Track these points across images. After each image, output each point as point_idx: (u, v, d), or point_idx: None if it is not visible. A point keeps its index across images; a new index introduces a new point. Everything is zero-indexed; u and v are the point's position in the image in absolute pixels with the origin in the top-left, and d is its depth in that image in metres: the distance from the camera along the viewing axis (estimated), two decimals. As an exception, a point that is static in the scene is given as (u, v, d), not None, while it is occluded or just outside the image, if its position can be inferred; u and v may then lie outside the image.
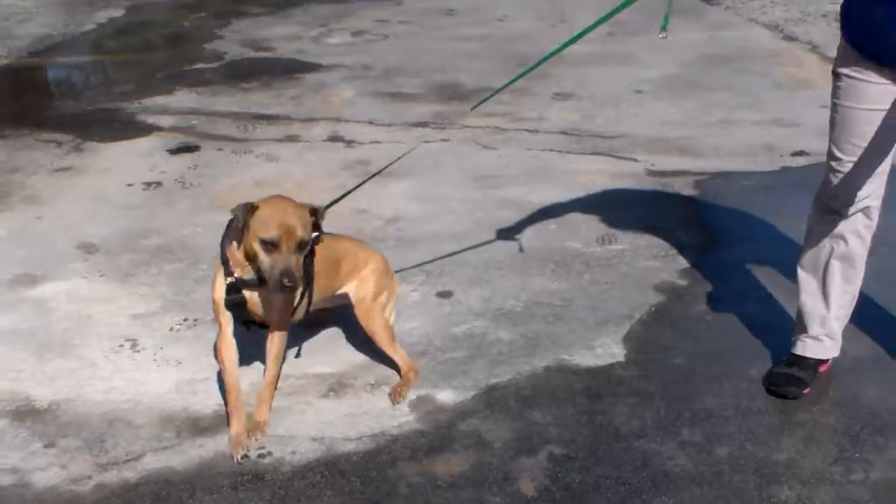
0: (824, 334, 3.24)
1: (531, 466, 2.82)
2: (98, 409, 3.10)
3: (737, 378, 3.22)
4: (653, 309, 3.64)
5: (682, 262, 3.96)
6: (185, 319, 3.61)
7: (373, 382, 3.23)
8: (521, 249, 4.11)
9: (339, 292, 3.25)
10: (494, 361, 3.35)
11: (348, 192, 3.52)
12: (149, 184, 4.76)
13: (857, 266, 3.16)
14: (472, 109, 4.12)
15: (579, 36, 3.39)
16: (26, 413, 3.08)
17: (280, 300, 2.95)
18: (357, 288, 3.24)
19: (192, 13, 7.92)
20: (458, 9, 8.04)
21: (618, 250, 4.07)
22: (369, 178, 3.80)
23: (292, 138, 5.32)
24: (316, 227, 2.91)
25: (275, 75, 6.35)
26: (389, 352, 3.26)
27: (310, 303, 3.08)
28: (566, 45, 3.46)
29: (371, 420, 3.05)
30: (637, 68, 6.49)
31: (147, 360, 3.36)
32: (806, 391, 3.16)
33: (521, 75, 3.65)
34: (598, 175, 4.82)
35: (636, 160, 5.01)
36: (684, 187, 4.68)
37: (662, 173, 4.84)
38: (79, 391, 3.19)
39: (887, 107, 2.91)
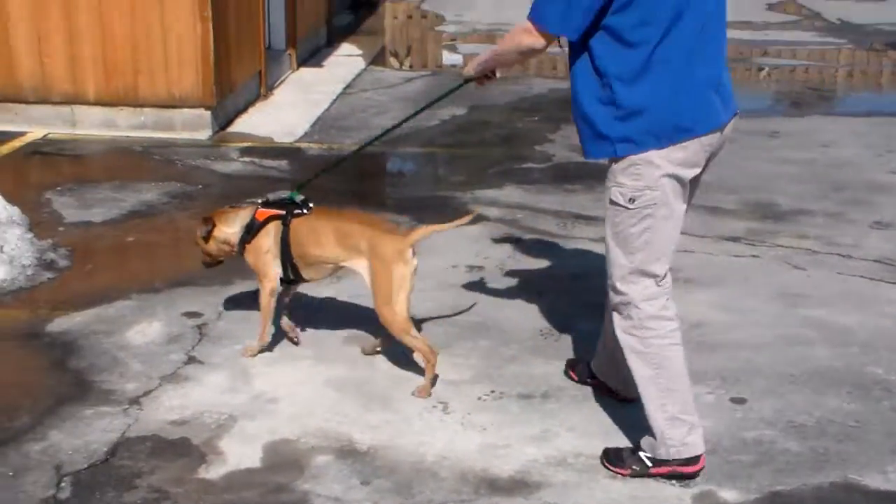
0: None
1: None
2: (409, 458, 3.49)
3: None
4: (951, 443, 3.61)
5: None
6: (493, 391, 3.96)
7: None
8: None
9: (343, 264, 3.93)
10: (781, 470, 3.45)
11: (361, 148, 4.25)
12: (471, 267, 5.20)
13: None
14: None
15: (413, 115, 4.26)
16: (349, 453, 3.51)
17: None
18: (369, 276, 3.83)
19: (526, 116, 8.47)
20: (783, 131, 8.12)
21: (921, 381, 4.05)
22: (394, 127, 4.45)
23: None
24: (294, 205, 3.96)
25: (598, 180, 6.66)
26: (407, 342, 3.86)
27: (287, 259, 3.95)
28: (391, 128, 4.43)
29: (653, 505, 3.24)
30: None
31: (455, 423, 3.73)
32: None
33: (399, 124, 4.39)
34: (910, 306, 4.79)
35: (953, 296, 4.92)
36: None
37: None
38: (394, 440, 3.60)
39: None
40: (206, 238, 4.09)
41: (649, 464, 3.41)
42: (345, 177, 6.73)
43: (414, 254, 3.80)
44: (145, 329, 4.39)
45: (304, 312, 4.42)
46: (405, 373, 4.07)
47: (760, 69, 11.09)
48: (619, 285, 3.37)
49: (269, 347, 4.21)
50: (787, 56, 11.73)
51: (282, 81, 9.30)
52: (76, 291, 4.78)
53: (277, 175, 6.76)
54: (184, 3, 7.23)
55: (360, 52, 11.12)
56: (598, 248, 5.44)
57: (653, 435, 3.40)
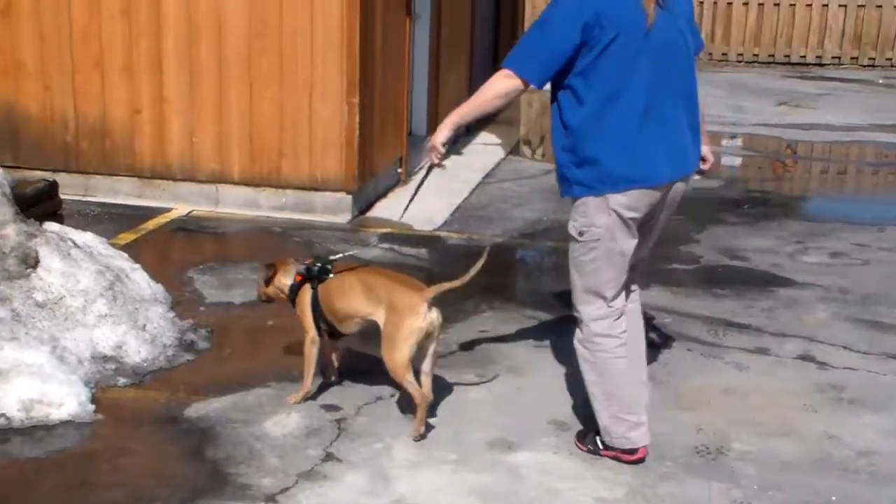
0: None
1: None
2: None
3: None
4: None
5: None
6: (648, 513, 3.69)
7: None
8: None
9: (368, 318, 4.17)
10: None
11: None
12: (619, 373, 4.95)
13: None
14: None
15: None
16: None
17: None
18: (383, 323, 4.07)
19: (673, 216, 8.20)
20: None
21: None
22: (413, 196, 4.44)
23: (762, 350, 5.32)
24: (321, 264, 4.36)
25: (748, 285, 6.41)
26: (402, 386, 4.08)
27: (320, 316, 4.30)
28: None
29: None
30: None
31: (607, 545, 3.47)
32: None
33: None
34: None
35: None
36: None
37: None
38: (543, 561, 3.35)
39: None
40: (267, 282, 4.47)
41: (600, 446, 4.07)
42: (485, 268, 6.59)
43: (430, 308, 4.03)
44: (283, 420, 4.26)
45: (448, 410, 4.24)
46: (556, 484, 3.84)
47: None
48: (576, 304, 3.98)
49: (411, 449, 4.04)
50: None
51: (421, 167, 9.27)
52: (215, 375, 4.70)
53: (415, 263, 6.65)
54: (332, 88, 7.26)
55: (498, 140, 11.06)
56: (752, 360, 5.16)
57: (601, 429, 4.03)
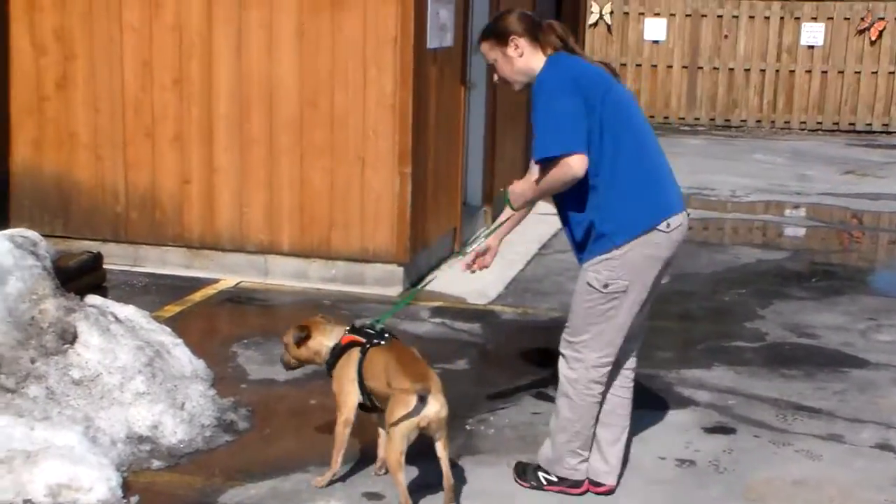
0: None
1: None
2: None
3: None
4: None
5: None
6: None
7: None
8: None
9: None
10: None
11: None
12: (682, 461, 4.65)
13: None
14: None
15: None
16: None
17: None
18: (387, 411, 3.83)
19: (732, 288, 7.90)
20: None
21: None
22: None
23: (836, 438, 4.98)
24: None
25: (818, 366, 6.07)
26: (393, 479, 3.81)
27: (363, 391, 4.04)
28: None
29: None
30: None
31: None
32: None
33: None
34: None
35: None
36: None
37: None
38: None
39: None
40: (298, 344, 4.21)
41: (544, 482, 4.24)
42: (536, 341, 6.34)
43: (423, 400, 3.75)
44: (322, 510, 4.02)
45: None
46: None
47: None
48: (576, 348, 4.09)
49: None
50: None
51: (476, 238, 9.06)
52: (253, 458, 4.47)
53: (468, 339, 6.41)
54: (385, 158, 7.11)
55: (553, 210, 10.82)
56: (825, 449, 4.83)
57: (549, 457, 4.22)
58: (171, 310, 6.58)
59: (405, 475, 3.81)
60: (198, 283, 7.23)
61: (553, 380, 5.43)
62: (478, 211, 9.42)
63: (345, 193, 7.23)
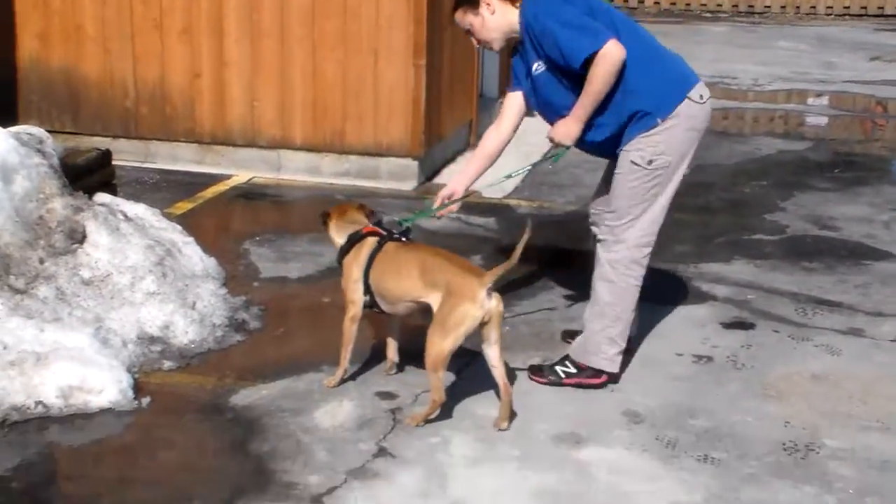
0: None
1: None
2: None
3: None
4: None
5: None
6: (729, 521, 3.34)
7: None
8: None
9: (420, 300, 3.82)
10: None
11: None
12: (699, 357, 4.59)
13: None
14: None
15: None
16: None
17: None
18: (437, 307, 3.73)
19: (753, 180, 7.76)
20: None
21: None
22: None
23: (857, 332, 4.90)
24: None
25: (839, 258, 5.96)
26: (429, 376, 3.75)
27: (366, 290, 3.96)
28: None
29: None
30: None
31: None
32: None
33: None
34: None
35: None
36: None
37: None
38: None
39: None
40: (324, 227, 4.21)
41: (563, 375, 4.22)
42: (552, 236, 6.25)
43: (490, 295, 3.70)
44: (335, 410, 3.98)
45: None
46: (627, 486, 3.51)
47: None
48: (618, 229, 4.14)
49: (470, 444, 3.75)
50: None
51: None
52: (265, 359, 4.44)
53: (483, 234, 6.32)
54: (398, 50, 6.93)
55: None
56: (843, 344, 4.76)
57: (583, 347, 4.23)
58: (182, 207, 6.50)
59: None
60: (209, 180, 7.14)
61: (571, 275, 5.38)
62: (494, 103, 9.22)
63: (358, 86, 7.08)
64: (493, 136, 4.39)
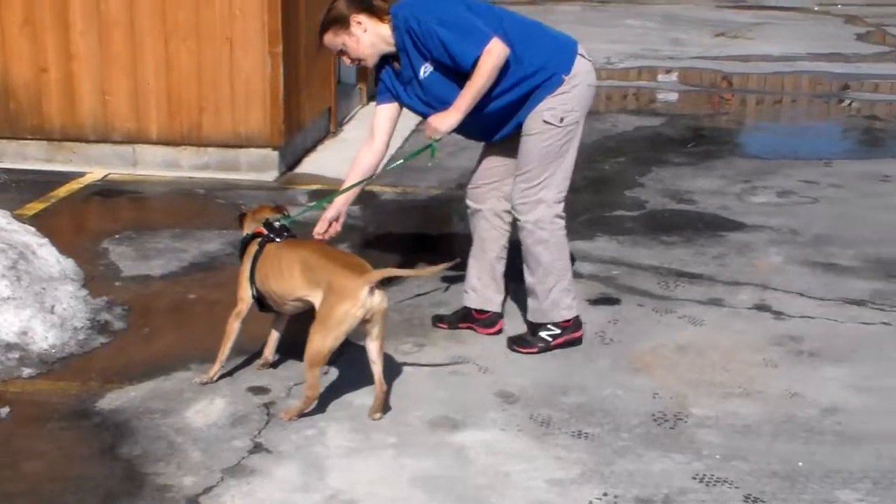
0: None
1: None
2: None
3: None
4: None
5: None
6: (605, 494, 3.40)
7: None
8: None
9: (304, 298, 3.79)
10: None
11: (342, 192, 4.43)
12: (568, 334, 4.66)
13: None
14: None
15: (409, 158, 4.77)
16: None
17: None
18: (318, 305, 3.71)
19: (611, 157, 7.91)
20: (895, 175, 7.48)
21: None
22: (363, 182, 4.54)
23: (716, 301, 5.06)
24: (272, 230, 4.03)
25: (697, 231, 6.14)
26: (306, 373, 3.71)
27: (252, 286, 3.94)
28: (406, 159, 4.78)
29: None
30: None
31: (564, 534, 3.18)
32: None
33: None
34: None
35: None
36: None
37: None
38: (494, 557, 3.06)
39: None
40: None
41: (550, 339, 4.42)
42: (417, 221, 6.26)
43: (373, 292, 3.66)
44: (206, 408, 3.90)
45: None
46: (505, 466, 3.54)
47: (841, 101, 10.46)
48: (534, 191, 4.29)
49: (346, 434, 3.72)
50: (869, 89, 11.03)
51: (351, 117, 8.87)
52: (131, 359, 4.31)
53: (348, 221, 6.24)
54: (253, 38, 6.81)
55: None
56: (705, 314, 4.90)
57: (542, 310, 4.43)
58: (34, 207, 6.27)
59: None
60: (62, 178, 6.89)
61: (438, 259, 5.35)
62: (353, 89, 9.18)
63: (214, 76, 6.93)
64: (366, 154, 4.40)
